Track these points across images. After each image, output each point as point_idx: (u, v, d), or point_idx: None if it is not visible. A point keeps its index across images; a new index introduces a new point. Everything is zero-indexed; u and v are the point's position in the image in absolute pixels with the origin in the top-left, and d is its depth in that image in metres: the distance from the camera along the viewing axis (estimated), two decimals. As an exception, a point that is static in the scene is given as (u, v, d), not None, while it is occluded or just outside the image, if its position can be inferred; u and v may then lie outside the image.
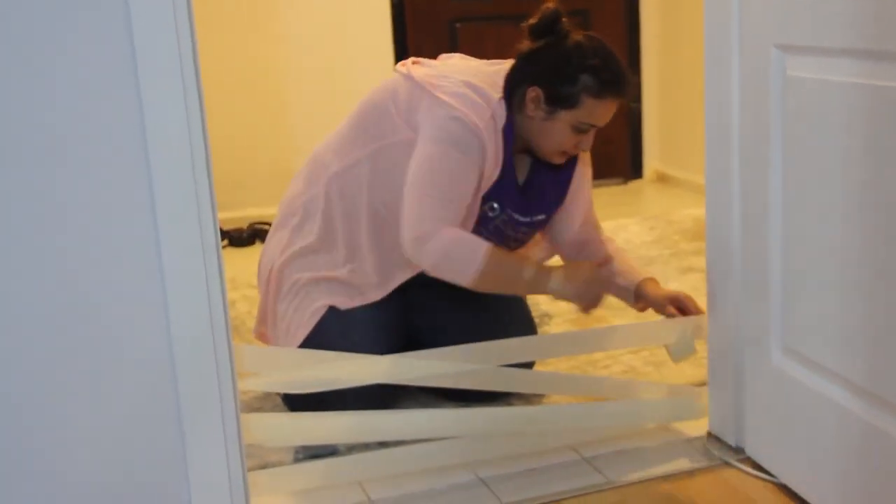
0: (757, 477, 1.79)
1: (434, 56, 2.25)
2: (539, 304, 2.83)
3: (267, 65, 4.11)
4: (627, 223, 3.74)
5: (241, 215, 3.92)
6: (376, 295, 2.13)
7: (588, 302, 2.08)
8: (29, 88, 1.35)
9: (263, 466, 1.90)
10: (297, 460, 1.94)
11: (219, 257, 1.49)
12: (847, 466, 1.56)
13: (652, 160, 4.69)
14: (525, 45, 2.10)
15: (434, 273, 2.03)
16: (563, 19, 2.08)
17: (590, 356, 2.38)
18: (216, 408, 1.52)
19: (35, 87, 1.35)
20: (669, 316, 2.09)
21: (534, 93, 2.04)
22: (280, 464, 1.92)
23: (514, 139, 2.10)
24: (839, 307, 1.54)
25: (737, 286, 1.82)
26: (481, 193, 2.08)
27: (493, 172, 2.06)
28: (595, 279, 2.07)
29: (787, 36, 1.59)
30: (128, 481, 1.50)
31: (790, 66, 1.59)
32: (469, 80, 2.07)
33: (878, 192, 1.42)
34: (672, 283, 2.96)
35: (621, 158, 4.62)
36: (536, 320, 2.65)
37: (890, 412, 1.46)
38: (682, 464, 1.87)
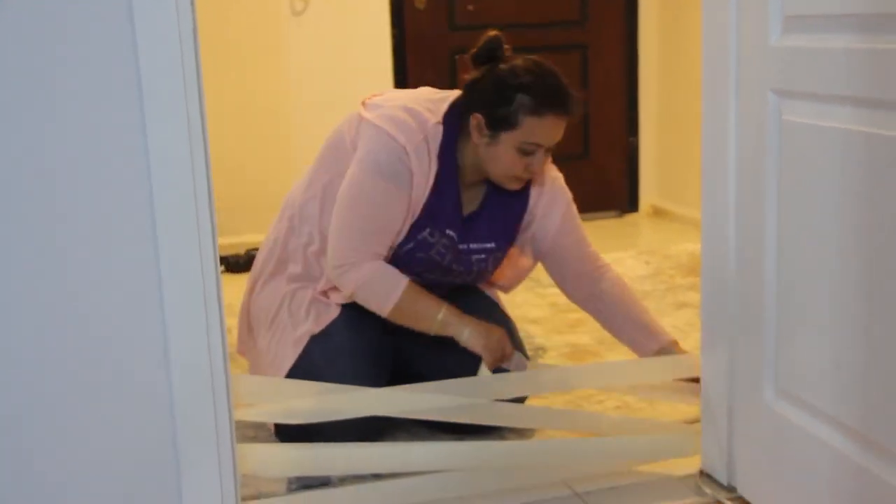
0: (748, 516, 1.80)
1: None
2: (534, 337, 2.84)
3: (268, 94, 4.14)
4: (623, 257, 3.76)
5: (238, 241, 3.93)
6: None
7: (491, 360, 2.10)
8: (33, 119, 1.37)
9: (257, 497, 1.90)
10: (290, 491, 1.94)
11: (218, 287, 1.51)
12: (838, 508, 1.57)
13: (648, 194, 4.72)
14: (469, 73, 2.13)
15: (352, 299, 2.10)
16: (504, 45, 2.09)
17: (584, 391, 2.39)
18: (212, 438, 1.52)
19: (39, 114, 1.37)
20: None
21: (475, 119, 2.06)
22: (273, 494, 1.92)
23: (462, 168, 2.12)
24: (833, 349, 1.55)
25: (731, 325, 1.83)
26: (412, 217, 2.09)
27: (422, 195, 2.06)
28: (501, 341, 2.11)
29: (783, 81, 1.61)
30: (122, 510, 1.50)
31: (786, 110, 1.61)
32: (407, 104, 2.09)
33: (872, 237, 1.44)
34: (667, 319, 2.98)
35: (617, 192, 4.65)
36: (531, 353, 2.66)
37: (883, 457, 1.46)
38: (674, 501, 1.87)
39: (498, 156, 2.06)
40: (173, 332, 1.47)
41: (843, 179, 1.49)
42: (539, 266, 2.38)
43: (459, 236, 2.16)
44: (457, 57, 4.28)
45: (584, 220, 2.38)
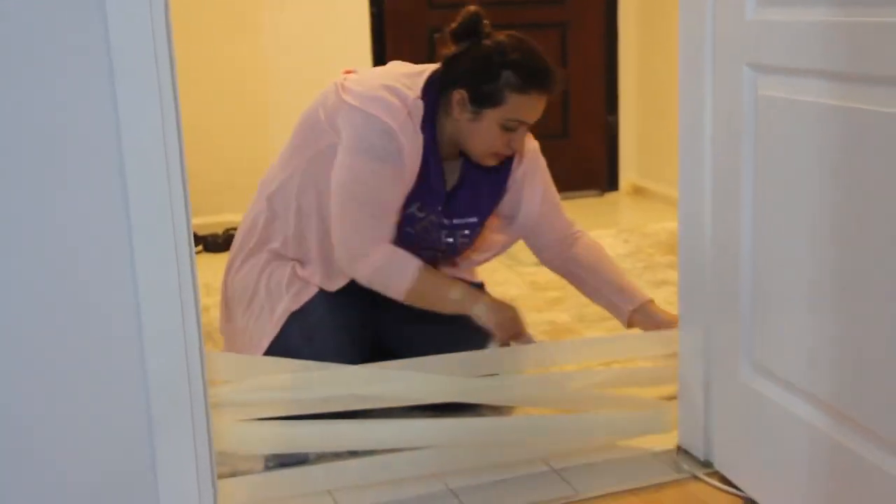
0: (724, 491, 1.80)
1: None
2: (513, 315, 2.84)
3: (245, 70, 4.11)
4: (602, 235, 3.76)
5: (216, 220, 3.90)
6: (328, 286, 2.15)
7: (503, 336, 2.14)
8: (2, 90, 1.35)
9: (233, 474, 1.89)
10: (267, 468, 1.93)
11: (192, 263, 1.49)
12: (813, 482, 1.58)
13: (628, 173, 4.71)
14: (448, 49, 2.12)
15: (368, 286, 2.10)
16: (484, 21, 2.08)
17: (561, 368, 2.39)
18: (187, 415, 1.51)
19: (7, 88, 1.35)
20: None
21: (458, 95, 2.06)
22: (250, 472, 1.92)
23: (440, 143, 2.11)
24: (807, 325, 1.56)
25: (707, 301, 1.83)
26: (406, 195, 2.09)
27: (414, 170, 2.06)
28: (514, 319, 2.15)
29: (758, 55, 1.60)
30: (96, 488, 1.49)
31: (761, 85, 1.61)
32: (386, 83, 2.08)
33: (846, 212, 1.44)
34: (645, 296, 2.98)
35: (597, 170, 4.64)
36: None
37: (854, 429, 1.47)
38: (651, 477, 1.88)
39: (480, 132, 2.06)
40: (146, 306, 1.45)
41: (819, 154, 1.49)
42: (518, 243, 2.39)
43: (444, 211, 2.16)
44: (435, 35, 4.25)
45: (564, 199, 2.39)
